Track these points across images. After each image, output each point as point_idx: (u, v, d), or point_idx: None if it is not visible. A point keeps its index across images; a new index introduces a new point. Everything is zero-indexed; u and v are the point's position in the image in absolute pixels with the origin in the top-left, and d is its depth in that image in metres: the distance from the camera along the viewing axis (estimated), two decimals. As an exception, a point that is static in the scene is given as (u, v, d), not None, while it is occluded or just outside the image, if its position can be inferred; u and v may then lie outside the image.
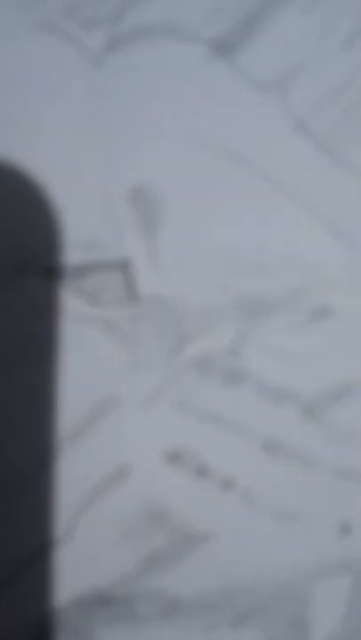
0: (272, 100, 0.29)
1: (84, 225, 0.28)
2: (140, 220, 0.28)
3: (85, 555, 0.33)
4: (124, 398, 0.28)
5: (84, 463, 0.34)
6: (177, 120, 0.34)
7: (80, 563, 0.33)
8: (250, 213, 0.30)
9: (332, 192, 0.30)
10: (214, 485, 0.27)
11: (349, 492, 0.28)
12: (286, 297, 0.29)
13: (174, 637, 0.32)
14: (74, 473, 0.33)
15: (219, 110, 0.29)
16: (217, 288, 0.29)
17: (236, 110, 0.29)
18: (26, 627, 0.35)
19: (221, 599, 0.29)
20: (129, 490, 0.28)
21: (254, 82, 0.30)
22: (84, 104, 0.28)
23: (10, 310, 0.33)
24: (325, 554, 0.28)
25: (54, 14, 0.29)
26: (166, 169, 0.29)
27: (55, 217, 0.31)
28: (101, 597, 0.33)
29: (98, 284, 0.34)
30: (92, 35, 0.28)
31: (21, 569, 0.32)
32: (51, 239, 0.30)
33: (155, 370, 0.29)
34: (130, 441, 0.28)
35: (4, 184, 0.31)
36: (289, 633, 0.34)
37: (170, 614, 0.28)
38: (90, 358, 0.28)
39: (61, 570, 0.31)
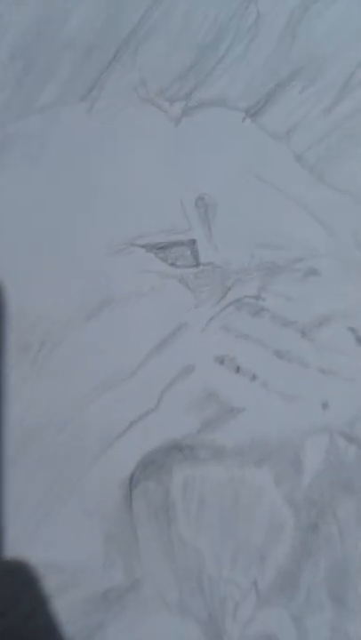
0: (281, 143, 0.42)
1: (170, 219, 0.42)
2: (201, 216, 0.42)
3: (168, 418, 0.40)
4: (191, 324, 0.42)
5: (167, 364, 0.41)
6: (225, 155, 0.43)
7: (165, 423, 0.40)
8: (269, 211, 0.43)
9: (318, 198, 0.42)
10: (245, 378, 0.41)
11: (328, 382, 0.40)
12: (290, 263, 0.41)
13: (220, 471, 0.39)
14: (159, 370, 0.41)
15: (250, 149, 0.43)
16: (248, 257, 0.41)
17: (260, 149, 0.43)
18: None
19: (249, 448, 0.41)
20: (194, 380, 0.41)
21: (270, 133, 0.42)
22: (168, 147, 0.43)
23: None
24: (313, 420, 0.40)
25: (152, 93, 0.42)
26: (218, 185, 0.43)
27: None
28: (177, 445, 0.40)
29: (176, 254, 0.42)
30: (174, 105, 0.42)
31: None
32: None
33: (209, 307, 0.41)
34: (194, 350, 0.41)
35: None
36: (290, 470, 0.40)
37: (218, 457, 0.40)
38: (171, 299, 0.42)
39: (154, 427, 0.40)
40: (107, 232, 0.44)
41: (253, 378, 0.43)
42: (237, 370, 0.43)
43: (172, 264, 0.44)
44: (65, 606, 0.42)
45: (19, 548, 0.42)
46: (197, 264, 0.44)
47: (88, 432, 0.44)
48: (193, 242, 0.43)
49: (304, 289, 0.43)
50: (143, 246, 0.43)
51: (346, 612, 0.44)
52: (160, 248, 0.43)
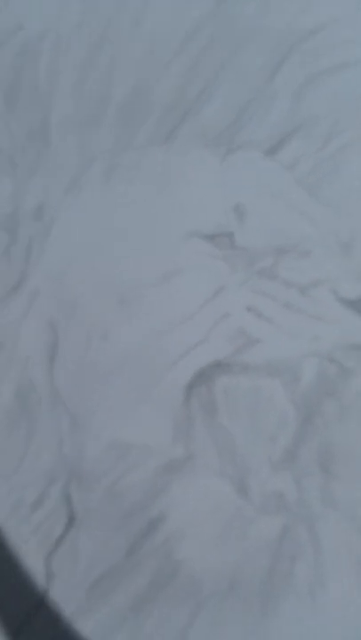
0: (288, 171, 0.55)
1: (217, 219, 0.55)
2: (236, 217, 0.56)
3: (213, 346, 0.56)
4: (228, 286, 0.56)
5: (213, 311, 0.56)
6: (252, 178, 0.56)
7: (211, 349, 0.56)
8: (279, 215, 0.55)
9: (311, 209, 0.54)
10: (263, 320, 0.55)
11: (317, 324, 0.55)
12: (292, 247, 0.55)
13: (246, 381, 0.55)
14: (208, 315, 0.56)
15: (268, 175, 0.56)
16: (266, 243, 0.55)
17: (273, 176, 0.55)
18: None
19: (265, 366, 0.55)
20: (230, 322, 0.56)
21: (282, 165, 0.55)
22: (217, 175, 0.56)
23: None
24: (308, 348, 0.55)
25: (208, 140, 0.56)
26: (248, 198, 0.57)
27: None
28: (219, 364, 0.55)
29: (220, 241, 0.56)
30: (220, 148, 0.56)
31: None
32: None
33: (241, 275, 0.55)
34: (230, 303, 0.56)
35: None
36: (292, 380, 0.55)
37: (244, 371, 0.55)
38: (216, 270, 0.56)
39: (204, 352, 0.56)
40: (178, 227, 0.57)
41: (269, 320, 0.57)
42: (259, 315, 0.57)
43: (217, 246, 0.58)
44: (144, 470, 0.56)
45: (113, 433, 0.56)
46: (233, 247, 0.58)
47: (163, 355, 0.57)
48: (231, 233, 0.57)
49: (301, 263, 0.57)
50: (200, 236, 0.57)
51: (331, 478, 0.56)
52: (210, 237, 0.57)
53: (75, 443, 0.58)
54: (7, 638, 0.59)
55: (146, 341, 0.58)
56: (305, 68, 0.55)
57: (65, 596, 0.57)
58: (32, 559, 0.57)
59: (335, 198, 0.57)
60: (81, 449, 0.58)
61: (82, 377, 0.58)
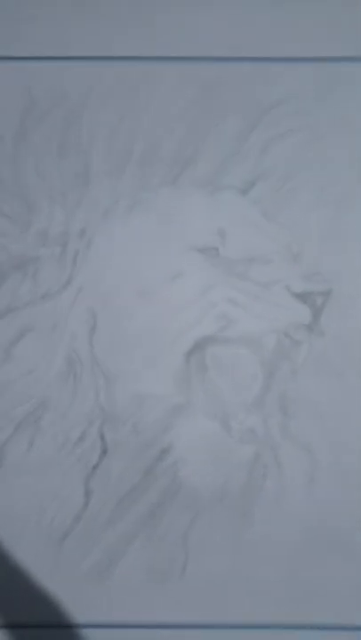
0: (255, 205, 0.63)
1: (209, 239, 0.63)
2: (220, 236, 0.63)
3: (205, 325, 0.65)
4: (216, 283, 0.64)
5: (207, 300, 0.64)
6: (233, 208, 0.64)
7: (205, 327, 0.64)
8: (250, 235, 0.64)
9: (270, 230, 0.63)
10: (239, 307, 0.63)
11: (276, 308, 0.62)
12: (260, 257, 0.64)
13: (226, 349, 0.63)
14: (203, 303, 0.64)
15: (242, 207, 0.63)
16: (241, 253, 0.63)
17: (246, 208, 0.63)
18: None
19: (241, 333, 0.64)
20: (216, 308, 0.64)
21: (251, 200, 0.64)
22: (206, 209, 0.64)
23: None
24: (269, 326, 0.64)
25: (198, 182, 0.62)
26: (229, 222, 0.63)
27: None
28: (210, 337, 0.63)
29: (209, 253, 0.62)
30: (207, 189, 0.63)
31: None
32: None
33: (224, 275, 0.63)
34: (218, 294, 0.64)
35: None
36: (258, 348, 0.64)
37: (225, 343, 0.64)
38: (209, 271, 0.63)
39: (199, 329, 0.64)
40: (179, 243, 0.63)
41: (243, 307, 0.63)
42: (236, 304, 0.63)
43: (207, 257, 0.64)
44: (157, 413, 0.63)
45: (135, 387, 0.63)
46: (218, 257, 0.63)
47: (169, 332, 0.63)
48: (217, 248, 0.62)
49: (265, 268, 0.63)
50: (195, 250, 0.62)
51: (288, 417, 0.63)
52: (202, 250, 0.63)
53: (107, 395, 0.62)
54: (55, 543, 0.60)
55: (157, 322, 0.63)
56: (269, 131, 0.61)
57: (99, 509, 0.61)
58: (74, 481, 0.62)
59: (288, 223, 0.62)
60: (112, 399, 0.62)
61: (112, 348, 0.63)
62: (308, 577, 0.61)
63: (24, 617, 0.61)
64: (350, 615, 0.59)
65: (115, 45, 0.62)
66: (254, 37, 0.62)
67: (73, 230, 0.62)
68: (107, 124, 0.63)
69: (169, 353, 0.63)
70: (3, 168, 0.61)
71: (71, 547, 0.62)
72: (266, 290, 0.63)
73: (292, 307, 0.64)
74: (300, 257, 0.64)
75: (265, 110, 0.64)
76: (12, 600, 0.61)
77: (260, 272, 0.64)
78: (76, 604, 0.62)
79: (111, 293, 0.64)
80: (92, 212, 0.62)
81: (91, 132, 0.63)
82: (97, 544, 0.62)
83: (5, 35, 0.62)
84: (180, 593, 0.61)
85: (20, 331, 0.61)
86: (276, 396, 0.63)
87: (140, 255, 0.64)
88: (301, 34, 0.62)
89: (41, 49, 0.62)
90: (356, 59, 0.63)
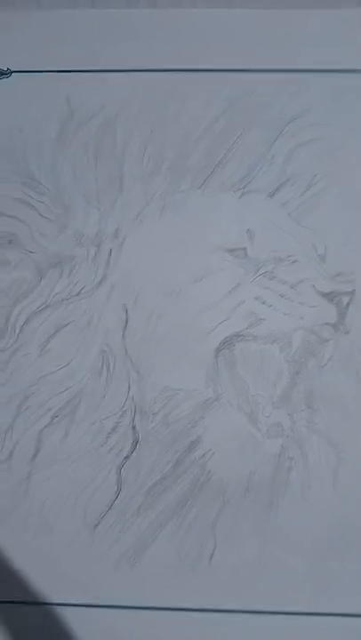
0: (281, 208, 0.66)
1: (235, 238, 0.65)
2: (248, 237, 0.65)
3: (233, 323, 0.66)
4: (243, 283, 0.66)
5: (232, 299, 0.66)
6: (259, 210, 0.66)
7: (232, 324, 0.66)
8: (276, 235, 0.66)
9: (297, 231, 0.65)
10: (266, 305, 0.65)
11: (302, 307, 0.65)
12: (285, 257, 0.66)
13: (255, 345, 0.65)
14: (229, 302, 0.67)
15: (267, 209, 0.65)
16: (267, 254, 0.65)
17: (270, 209, 0.66)
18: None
19: (267, 335, 0.66)
20: (244, 307, 0.66)
21: (278, 203, 0.66)
22: (235, 212, 0.65)
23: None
24: (296, 324, 0.66)
25: (227, 186, 0.65)
26: (255, 223, 0.66)
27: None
28: (236, 334, 0.66)
29: (238, 254, 0.64)
30: (236, 192, 0.66)
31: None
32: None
33: (250, 276, 0.66)
34: (244, 293, 0.66)
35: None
36: (286, 345, 0.66)
37: (253, 340, 0.66)
38: (234, 272, 0.66)
39: (227, 327, 0.66)
40: (209, 244, 0.64)
41: (270, 306, 0.65)
42: (263, 302, 0.65)
43: (235, 257, 0.65)
44: (186, 406, 0.65)
45: (165, 381, 0.65)
46: (246, 258, 0.65)
47: (199, 329, 0.66)
48: (245, 248, 0.64)
49: (291, 268, 0.65)
50: (223, 250, 0.64)
51: (313, 412, 0.65)
52: (230, 250, 0.65)
53: (139, 388, 0.65)
54: (89, 529, 0.64)
55: (187, 319, 0.66)
56: (292, 140, 0.63)
57: (131, 497, 0.63)
58: (107, 470, 0.64)
59: (313, 225, 0.64)
60: (143, 393, 0.65)
61: (144, 343, 0.65)
62: (331, 567, 0.62)
63: (62, 596, 0.66)
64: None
65: (147, 59, 0.65)
66: (277, 51, 0.66)
67: (107, 231, 0.64)
68: (140, 132, 0.65)
69: (198, 349, 0.65)
70: (43, 173, 0.64)
71: (104, 533, 0.65)
72: (292, 289, 0.65)
73: (318, 305, 0.66)
74: (324, 258, 0.67)
75: (288, 120, 0.66)
76: (49, 581, 0.66)
77: (287, 272, 0.65)
78: (107, 587, 0.65)
79: (143, 291, 0.66)
80: (125, 215, 0.64)
81: (125, 139, 0.64)
82: (128, 531, 0.64)
83: (48, 49, 0.66)
84: (207, 579, 0.64)
85: (56, 326, 0.63)
86: (302, 391, 0.64)
87: (170, 255, 0.66)
88: (322, 47, 0.66)
89: (80, 63, 0.65)
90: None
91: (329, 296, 0.65)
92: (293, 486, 0.65)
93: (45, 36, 0.65)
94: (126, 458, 0.65)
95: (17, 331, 0.63)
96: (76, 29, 0.65)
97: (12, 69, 0.64)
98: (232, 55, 0.64)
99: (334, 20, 0.64)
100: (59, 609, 0.61)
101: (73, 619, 0.62)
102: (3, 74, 0.63)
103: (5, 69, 0.64)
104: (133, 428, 0.66)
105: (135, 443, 0.65)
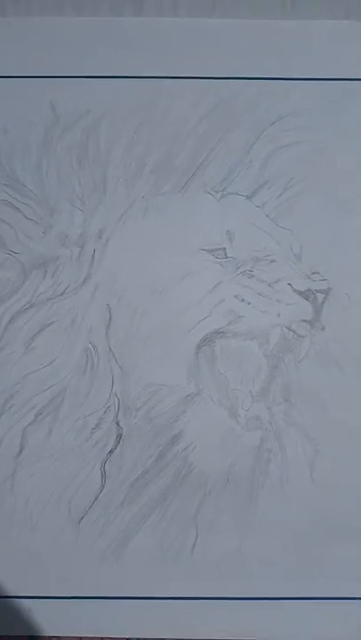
0: (259, 209, 0.67)
1: (215, 239, 0.66)
2: (228, 237, 0.67)
3: (214, 320, 0.68)
4: (223, 282, 0.67)
5: (213, 298, 0.68)
6: (238, 212, 0.68)
7: (213, 321, 0.68)
8: (255, 236, 0.67)
9: (275, 231, 0.67)
10: (245, 303, 0.67)
11: (279, 305, 0.66)
12: (263, 257, 0.67)
13: (235, 342, 0.66)
14: (210, 300, 0.69)
15: (247, 211, 0.67)
16: (246, 254, 0.67)
17: (250, 211, 0.67)
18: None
19: (247, 330, 0.68)
20: (224, 305, 0.68)
21: (256, 204, 0.67)
22: (215, 213, 0.67)
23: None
24: (274, 321, 0.67)
25: (208, 188, 0.66)
26: (235, 225, 0.67)
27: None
28: (217, 331, 0.67)
29: (218, 253, 0.66)
30: (216, 194, 0.67)
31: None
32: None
33: (230, 275, 0.67)
34: (225, 292, 0.67)
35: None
36: (264, 342, 0.68)
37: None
38: (215, 271, 0.68)
39: (208, 324, 0.68)
40: (190, 244, 0.66)
41: (249, 303, 0.66)
42: (243, 300, 0.67)
43: (216, 257, 0.67)
44: (169, 402, 0.66)
45: (148, 378, 0.66)
46: (226, 257, 0.67)
47: (181, 326, 0.67)
48: (225, 248, 0.66)
49: (269, 267, 0.66)
50: (204, 250, 0.65)
51: (290, 406, 0.67)
52: (211, 250, 0.66)
53: (122, 385, 0.66)
54: (74, 523, 0.64)
55: (169, 317, 0.67)
56: (271, 143, 0.65)
57: (115, 491, 0.65)
58: (91, 466, 0.65)
59: (290, 225, 0.66)
60: (126, 389, 0.66)
61: (127, 341, 0.66)
62: (309, 555, 0.64)
63: (48, 590, 0.67)
64: (350, 588, 0.61)
65: (132, 65, 0.66)
66: (262, 58, 0.68)
67: (91, 232, 0.66)
68: (123, 136, 0.66)
69: (180, 346, 0.66)
70: (28, 176, 0.64)
71: (88, 527, 0.66)
72: (270, 287, 0.66)
73: (294, 303, 0.67)
74: (300, 257, 0.68)
75: (269, 124, 0.68)
76: (34, 575, 0.67)
77: (265, 271, 0.67)
78: (93, 579, 0.66)
79: (126, 290, 0.67)
80: (108, 216, 0.65)
81: (108, 143, 0.65)
82: (112, 524, 0.66)
83: (33, 55, 0.67)
84: (190, 569, 0.65)
85: (40, 325, 0.64)
86: (279, 385, 0.66)
87: (153, 255, 0.67)
88: (307, 55, 0.68)
89: (66, 69, 0.66)
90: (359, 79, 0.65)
91: (305, 294, 0.66)
92: (272, 478, 0.66)
93: (32, 42, 0.67)
94: (110, 453, 0.66)
95: (1, 330, 0.63)
96: (62, 36, 0.66)
97: (-2, 75, 0.54)
98: (215, 63, 0.66)
99: (315, 30, 0.67)
100: (45, 602, 0.61)
101: (59, 611, 0.63)
102: (-12, 79, 0.54)
103: (-9, 75, 0.54)
104: (117, 423, 0.67)
105: (119, 438, 0.66)
